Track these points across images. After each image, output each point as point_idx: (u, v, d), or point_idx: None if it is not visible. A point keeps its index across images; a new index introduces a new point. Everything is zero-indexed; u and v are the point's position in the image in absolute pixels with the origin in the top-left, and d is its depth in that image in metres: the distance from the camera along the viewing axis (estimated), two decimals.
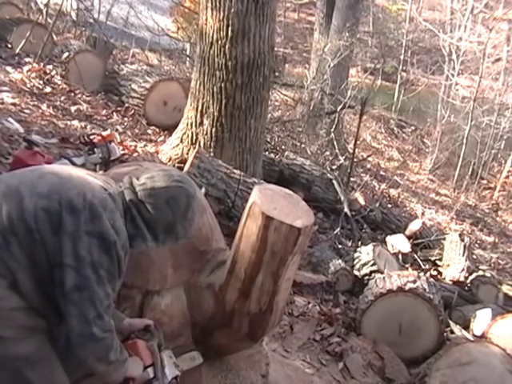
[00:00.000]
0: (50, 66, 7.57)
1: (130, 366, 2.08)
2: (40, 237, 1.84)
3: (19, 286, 1.82)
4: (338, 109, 9.64)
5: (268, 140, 8.21)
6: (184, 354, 2.49)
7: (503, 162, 16.17)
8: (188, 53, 12.47)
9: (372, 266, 5.50)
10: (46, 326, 1.92)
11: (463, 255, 6.41)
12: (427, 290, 4.47)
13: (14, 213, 1.83)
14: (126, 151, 5.95)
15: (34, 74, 7.22)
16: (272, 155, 7.63)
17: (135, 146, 6.33)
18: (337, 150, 8.93)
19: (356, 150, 9.18)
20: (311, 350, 4.16)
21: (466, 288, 5.98)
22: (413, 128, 17.84)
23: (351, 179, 8.79)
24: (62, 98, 6.93)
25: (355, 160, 9.12)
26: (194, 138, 6.00)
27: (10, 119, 5.53)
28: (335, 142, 9.08)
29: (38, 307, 1.88)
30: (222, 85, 5.74)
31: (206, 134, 5.92)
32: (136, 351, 2.17)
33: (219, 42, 5.63)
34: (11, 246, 1.81)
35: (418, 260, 6.57)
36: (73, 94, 7.22)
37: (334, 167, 8.33)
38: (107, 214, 1.92)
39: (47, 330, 1.93)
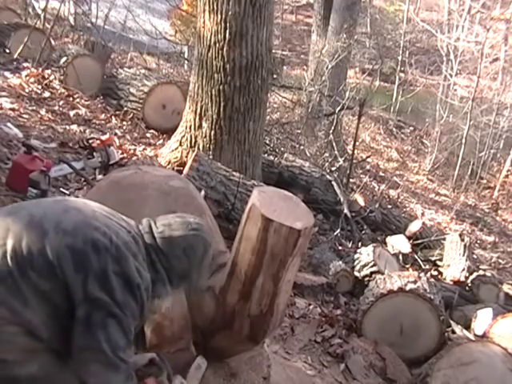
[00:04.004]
0: (49, 71, 7.58)
1: None
2: (62, 274, 1.83)
3: (23, 320, 1.80)
4: (337, 110, 9.65)
5: (267, 142, 8.21)
6: (190, 368, 2.48)
7: (502, 161, 16.16)
8: (186, 56, 12.51)
9: (372, 266, 5.49)
10: (49, 348, 1.89)
11: (463, 255, 6.41)
12: (428, 291, 4.46)
13: (36, 247, 1.82)
14: (125, 155, 5.95)
15: (32, 79, 7.23)
16: (271, 157, 7.63)
17: (134, 150, 6.33)
18: (336, 152, 8.92)
19: (355, 151, 9.18)
20: (312, 352, 4.16)
21: (467, 288, 5.98)
22: (411, 128, 17.84)
23: (351, 180, 8.80)
24: (61, 103, 6.94)
25: (354, 161, 9.11)
26: (193, 140, 6.01)
27: (9, 124, 5.53)
28: (334, 144, 9.08)
29: (45, 338, 1.85)
30: (221, 87, 5.74)
31: (205, 136, 5.92)
32: None
33: (217, 45, 5.64)
34: (27, 279, 1.80)
35: (419, 260, 6.56)
36: (71, 99, 7.22)
37: (333, 169, 8.32)
38: (131, 257, 1.94)
39: (51, 350, 1.90)
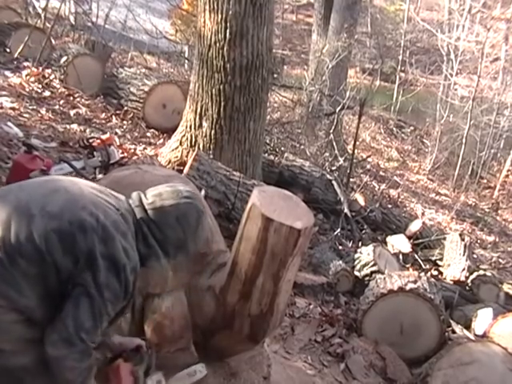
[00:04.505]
0: (49, 70, 7.59)
1: None
2: (51, 258, 1.82)
3: (20, 305, 1.81)
4: (337, 110, 9.65)
5: (267, 142, 8.21)
6: (183, 370, 2.46)
7: (503, 161, 16.16)
8: (186, 55, 12.50)
9: (372, 266, 5.49)
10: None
11: (464, 255, 6.41)
12: (428, 290, 4.46)
13: (23, 234, 1.81)
14: (126, 154, 5.95)
15: (32, 79, 7.22)
16: (271, 157, 7.63)
17: (134, 149, 6.33)
18: (336, 151, 8.93)
19: (355, 151, 9.19)
20: (313, 352, 4.16)
21: (467, 287, 5.98)
22: (412, 128, 17.84)
23: (351, 180, 8.79)
24: (61, 102, 6.94)
25: (355, 161, 9.11)
26: (193, 140, 6.00)
27: (10, 123, 5.53)
28: (334, 143, 9.08)
29: (40, 322, 1.85)
30: (221, 87, 5.74)
31: (205, 136, 5.92)
32: (117, 377, 2.10)
33: (217, 45, 5.63)
34: (17, 266, 1.79)
35: (419, 260, 6.56)
36: (72, 98, 7.22)
37: (333, 168, 8.32)
38: (119, 237, 1.91)
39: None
